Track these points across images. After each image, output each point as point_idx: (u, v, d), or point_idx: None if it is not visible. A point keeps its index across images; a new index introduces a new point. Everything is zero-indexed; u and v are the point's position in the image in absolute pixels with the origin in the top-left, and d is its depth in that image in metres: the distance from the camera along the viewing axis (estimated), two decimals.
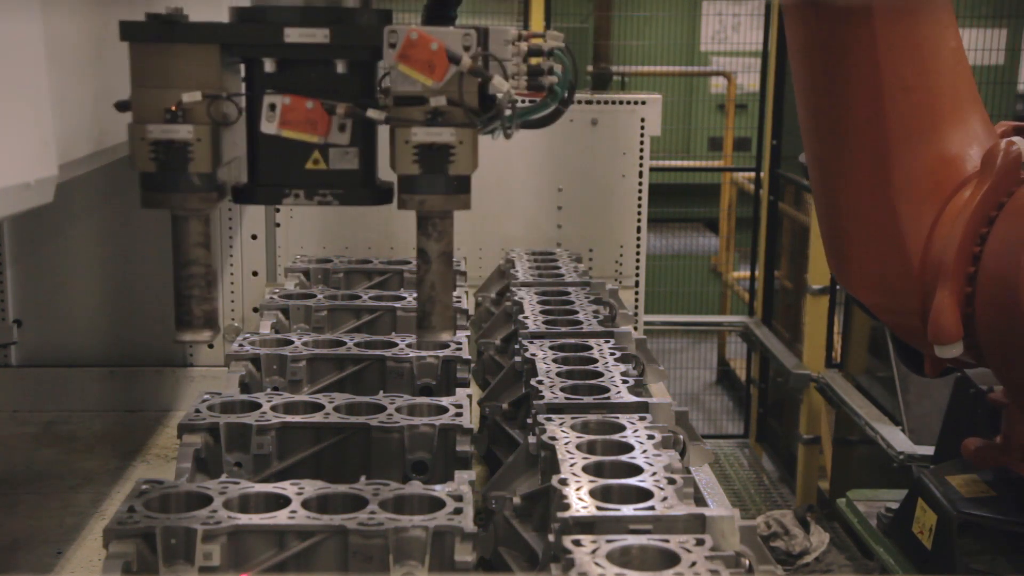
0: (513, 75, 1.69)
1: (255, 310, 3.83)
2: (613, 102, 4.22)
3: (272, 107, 1.66)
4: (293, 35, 1.61)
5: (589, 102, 4.22)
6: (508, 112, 1.69)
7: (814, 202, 2.98)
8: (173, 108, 1.57)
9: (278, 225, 4.08)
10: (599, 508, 1.75)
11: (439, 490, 1.92)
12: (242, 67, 1.72)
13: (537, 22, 6.15)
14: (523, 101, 1.80)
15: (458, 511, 1.85)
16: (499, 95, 1.64)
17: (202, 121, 1.59)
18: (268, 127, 1.66)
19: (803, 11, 2.76)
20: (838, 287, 5.84)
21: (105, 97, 1.80)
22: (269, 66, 1.66)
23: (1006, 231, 2.56)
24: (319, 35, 1.61)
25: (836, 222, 2.94)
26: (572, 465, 1.93)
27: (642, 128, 4.21)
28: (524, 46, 1.69)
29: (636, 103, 4.21)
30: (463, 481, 1.98)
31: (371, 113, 1.66)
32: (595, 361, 2.58)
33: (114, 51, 1.86)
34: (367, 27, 1.64)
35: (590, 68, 8.48)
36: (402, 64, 1.60)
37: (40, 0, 1.49)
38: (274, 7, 1.65)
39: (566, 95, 1.83)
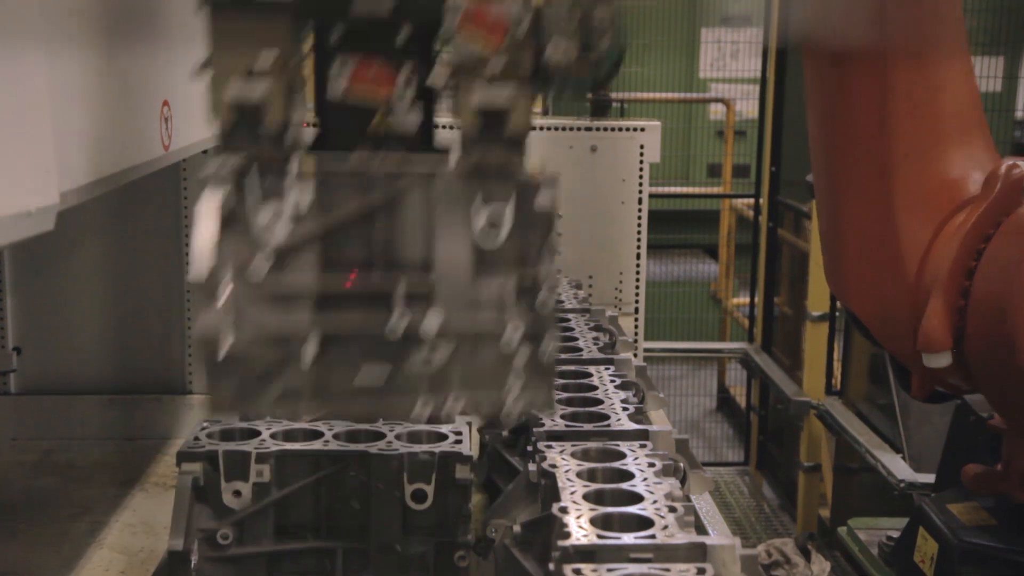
0: (569, 38, 1.69)
1: None
2: (612, 129, 4.24)
3: (341, 69, 1.70)
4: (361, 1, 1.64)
5: (588, 129, 4.23)
6: (565, 75, 1.71)
7: (816, 214, 2.99)
8: (249, 69, 1.60)
9: None
10: (600, 536, 1.74)
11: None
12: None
13: None
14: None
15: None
16: (555, 58, 1.67)
17: (276, 81, 1.62)
18: (336, 88, 1.71)
19: (815, 27, 2.78)
20: (837, 314, 5.84)
21: (108, 124, 1.81)
22: (338, 30, 1.69)
23: (1001, 249, 2.56)
24: (386, 1, 1.65)
25: (837, 235, 2.94)
26: (572, 493, 1.93)
27: (641, 155, 4.22)
28: (578, 11, 1.68)
29: (635, 130, 4.22)
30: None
31: (433, 76, 1.70)
32: (595, 388, 2.57)
33: (116, 78, 1.87)
34: None
35: (589, 95, 8.51)
36: (464, 29, 1.62)
37: (43, 28, 1.50)
38: None
39: (617, 60, 1.80)
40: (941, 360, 2.61)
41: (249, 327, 1.63)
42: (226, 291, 1.62)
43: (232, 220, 1.63)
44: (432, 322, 1.66)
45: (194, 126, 2.40)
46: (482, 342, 1.69)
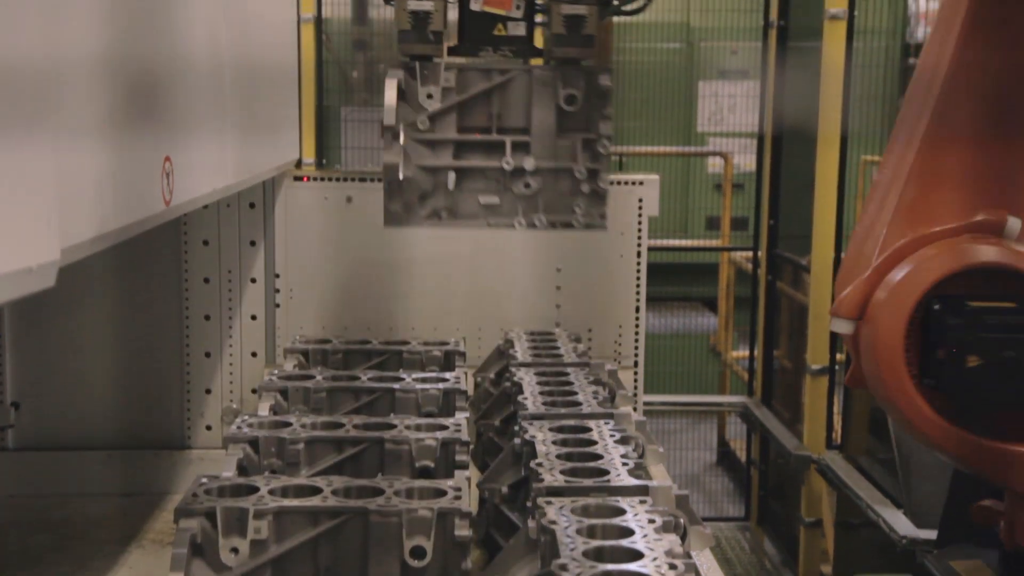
0: None
1: (254, 391, 3.82)
2: (612, 182, 4.25)
3: None
4: None
5: None
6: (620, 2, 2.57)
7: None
8: None
9: (278, 306, 4.09)
10: None
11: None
12: None
13: None
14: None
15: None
16: None
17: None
18: (475, 4, 2.53)
19: None
20: (837, 367, 5.83)
21: (109, 179, 1.82)
22: None
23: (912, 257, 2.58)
24: None
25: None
26: (572, 550, 1.91)
27: (640, 208, 4.24)
28: None
29: (634, 183, 4.24)
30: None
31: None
32: (595, 443, 2.56)
33: (118, 131, 1.88)
34: None
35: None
36: None
37: (46, 87, 1.52)
38: None
39: None
40: (843, 327, 2.59)
41: (413, 162, 2.55)
42: (401, 137, 2.51)
43: (404, 93, 2.52)
44: (529, 163, 2.60)
45: (195, 181, 2.41)
46: (559, 176, 2.63)
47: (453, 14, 2.58)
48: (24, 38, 1.41)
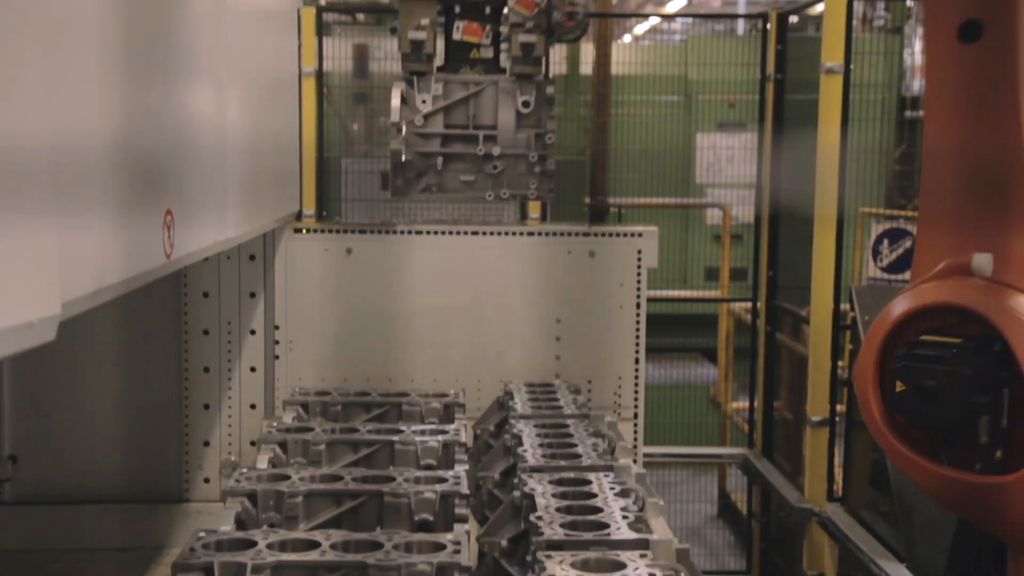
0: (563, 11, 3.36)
1: (253, 443, 3.80)
2: (610, 234, 4.27)
3: (457, 27, 3.38)
4: None
5: (587, 234, 4.27)
6: (561, 33, 3.40)
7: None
8: (417, 25, 3.33)
9: (277, 357, 4.08)
10: None
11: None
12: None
13: None
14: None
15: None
16: (556, 20, 3.33)
17: (429, 31, 3.32)
18: (456, 35, 3.37)
19: None
20: (837, 419, 5.82)
21: (111, 232, 1.83)
22: (458, 8, 3.39)
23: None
24: None
25: None
26: None
27: (639, 260, 4.25)
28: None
29: (633, 235, 4.26)
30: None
31: (501, 27, 3.37)
32: (595, 496, 2.55)
33: (120, 187, 1.89)
34: None
35: (587, 200, 8.60)
36: (515, 5, 3.31)
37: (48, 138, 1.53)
38: None
39: (586, 24, 3.62)
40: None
41: (412, 148, 3.42)
42: (403, 130, 3.37)
43: (405, 99, 3.41)
44: (496, 150, 3.43)
45: (196, 234, 2.42)
46: (518, 161, 3.45)
47: (441, 42, 3.48)
48: (31, 116, 1.42)
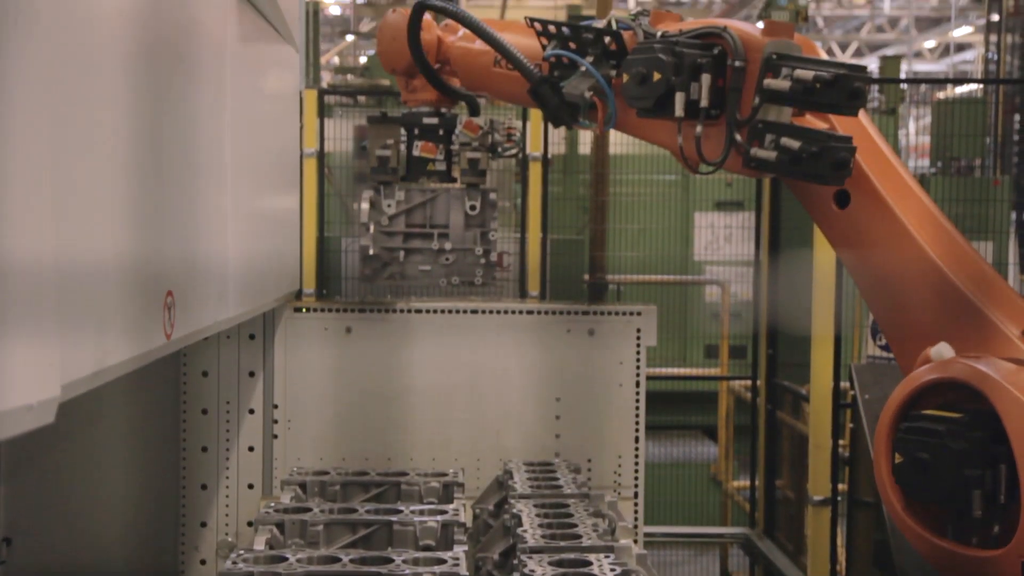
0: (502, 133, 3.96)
1: (250, 524, 3.77)
2: (609, 313, 4.28)
3: (416, 145, 3.86)
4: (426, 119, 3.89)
5: (586, 313, 4.28)
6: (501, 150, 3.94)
7: None
8: (384, 144, 3.95)
9: (276, 437, 4.07)
10: None
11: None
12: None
13: (534, 235, 6.30)
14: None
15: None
16: (496, 140, 3.92)
17: (393, 149, 3.95)
18: (415, 152, 3.86)
19: None
20: (840, 498, 5.78)
21: (111, 314, 1.83)
22: (416, 130, 3.90)
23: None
24: (434, 120, 3.88)
25: None
26: None
27: (638, 338, 4.25)
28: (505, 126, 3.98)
29: (632, 314, 4.27)
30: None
31: (452, 146, 3.90)
32: None
33: (122, 270, 1.90)
34: (451, 118, 3.89)
35: (586, 277, 8.62)
36: (463, 129, 3.86)
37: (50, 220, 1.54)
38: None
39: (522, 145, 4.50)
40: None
41: (379, 244, 3.95)
42: (371, 230, 3.91)
43: (373, 203, 3.96)
44: (448, 245, 3.95)
45: (196, 315, 2.43)
46: (467, 253, 3.97)
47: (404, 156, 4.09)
48: (38, 222, 1.44)
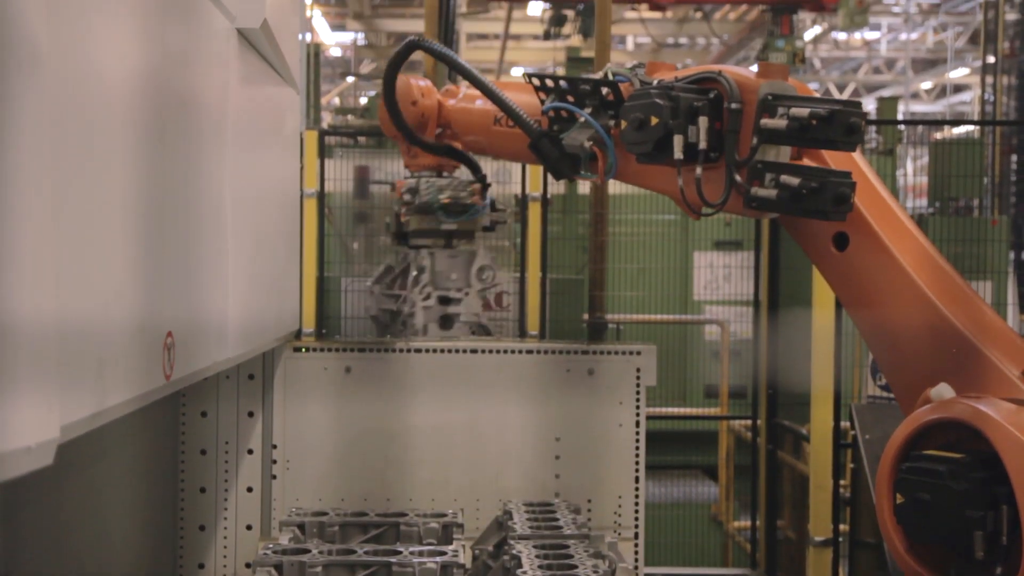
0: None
1: (248, 565, 3.74)
2: (609, 352, 4.28)
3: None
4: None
5: (586, 352, 4.28)
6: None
7: None
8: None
9: (274, 477, 4.05)
10: None
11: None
12: None
13: (533, 274, 6.31)
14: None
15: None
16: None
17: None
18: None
19: None
20: (841, 539, 5.75)
21: (111, 355, 1.84)
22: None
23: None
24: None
25: None
26: None
27: (638, 377, 4.25)
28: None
29: (631, 353, 4.26)
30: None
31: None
32: None
33: (122, 311, 1.91)
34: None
35: (586, 317, 8.62)
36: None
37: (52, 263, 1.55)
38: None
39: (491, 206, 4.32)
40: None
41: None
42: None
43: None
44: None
45: (196, 355, 2.43)
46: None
47: None
48: (35, 279, 1.45)
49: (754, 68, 2.86)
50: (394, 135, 3.91)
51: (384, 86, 3.72)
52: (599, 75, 3.10)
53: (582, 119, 3.08)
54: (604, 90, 3.05)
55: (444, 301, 4.68)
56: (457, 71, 3.49)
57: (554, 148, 3.17)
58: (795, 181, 2.70)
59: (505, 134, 3.50)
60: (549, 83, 3.19)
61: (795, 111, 2.67)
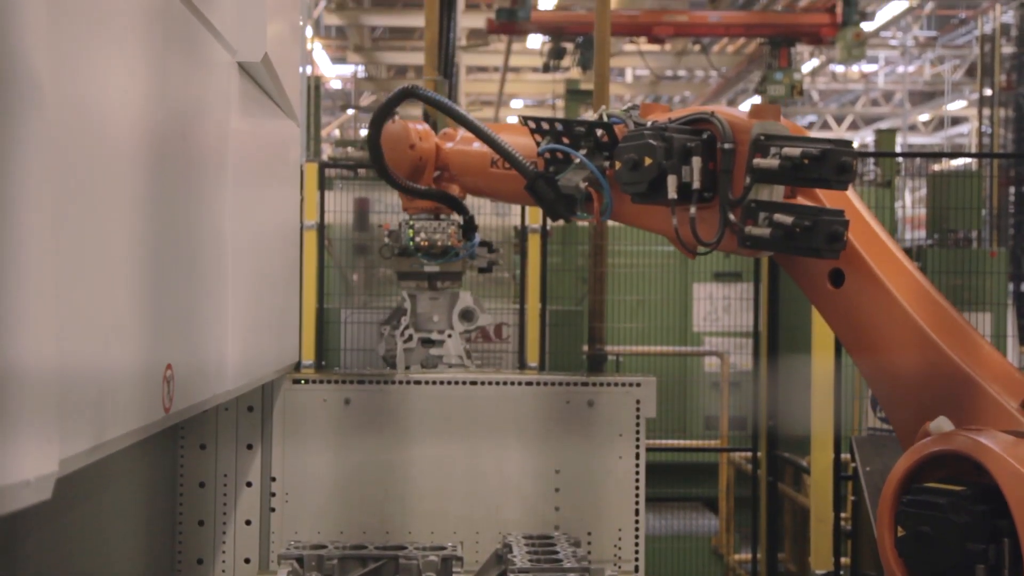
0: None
1: None
2: (609, 384, 4.27)
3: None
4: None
5: (585, 384, 4.27)
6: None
7: None
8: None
9: (273, 510, 4.04)
10: None
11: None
12: None
13: (533, 306, 6.32)
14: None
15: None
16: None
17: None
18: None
19: None
20: (842, 572, 5.72)
21: (110, 388, 1.84)
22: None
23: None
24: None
25: None
26: None
27: (638, 409, 4.24)
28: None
29: (631, 385, 4.26)
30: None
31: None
32: None
33: (120, 344, 1.91)
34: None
35: (585, 348, 8.62)
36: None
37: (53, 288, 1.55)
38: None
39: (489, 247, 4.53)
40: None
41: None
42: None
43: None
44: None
45: (195, 388, 2.43)
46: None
47: None
48: (33, 315, 1.46)
49: (747, 106, 2.89)
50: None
51: (369, 133, 3.72)
52: (594, 117, 3.14)
53: (577, 160, 3.11)
54: (599, 132, 3.08)
55: (427, 343, 4.70)
56: (451, 116, 3.50)
57: (550, 189, 3.19)
58: (788, 220, 2.72)
59: (502, 176, 3.52)
60: (544, 125, 3.22)
61: (787, 151, 2.69)
